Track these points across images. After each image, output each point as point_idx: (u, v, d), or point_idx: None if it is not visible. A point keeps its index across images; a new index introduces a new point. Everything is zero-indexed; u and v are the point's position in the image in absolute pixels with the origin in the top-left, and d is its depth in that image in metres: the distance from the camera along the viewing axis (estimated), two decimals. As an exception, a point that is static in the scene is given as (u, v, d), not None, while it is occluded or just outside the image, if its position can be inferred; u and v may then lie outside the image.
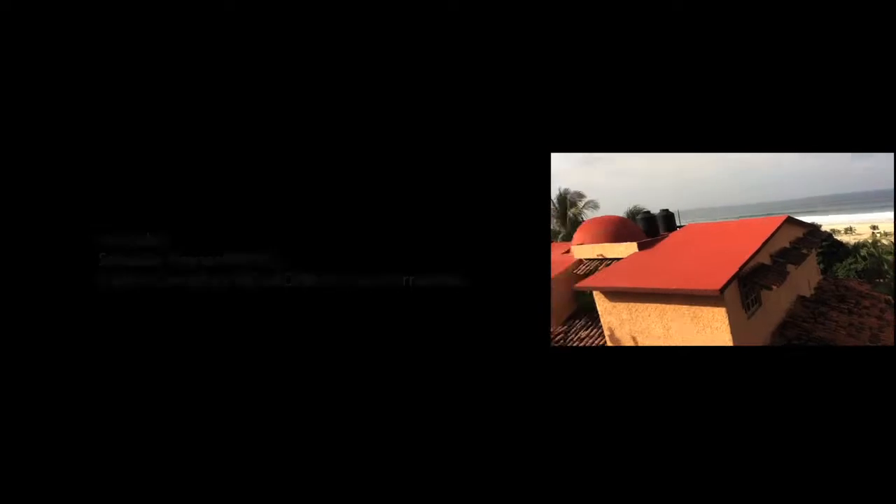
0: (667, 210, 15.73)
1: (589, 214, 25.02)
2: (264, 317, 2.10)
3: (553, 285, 13.95)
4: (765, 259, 10.30)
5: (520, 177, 2.18)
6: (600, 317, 11.44)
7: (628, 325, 10.79)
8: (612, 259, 13.09)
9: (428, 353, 2.11)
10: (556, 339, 13.25)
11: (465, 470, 2.12)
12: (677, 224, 15.79)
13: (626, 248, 12.89)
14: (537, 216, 2.19)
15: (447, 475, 2.11)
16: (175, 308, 2.06)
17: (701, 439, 2.06)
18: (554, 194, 26.16)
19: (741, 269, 9.11)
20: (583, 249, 14.39)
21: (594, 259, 13.86)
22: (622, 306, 10.90)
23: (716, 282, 8.70)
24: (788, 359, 2.17)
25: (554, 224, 26.16)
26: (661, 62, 2.19)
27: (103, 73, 2.07)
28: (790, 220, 12.29)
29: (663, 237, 13.60)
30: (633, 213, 22.22)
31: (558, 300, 13.70)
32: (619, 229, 14.11)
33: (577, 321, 13.32)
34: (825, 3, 2.17)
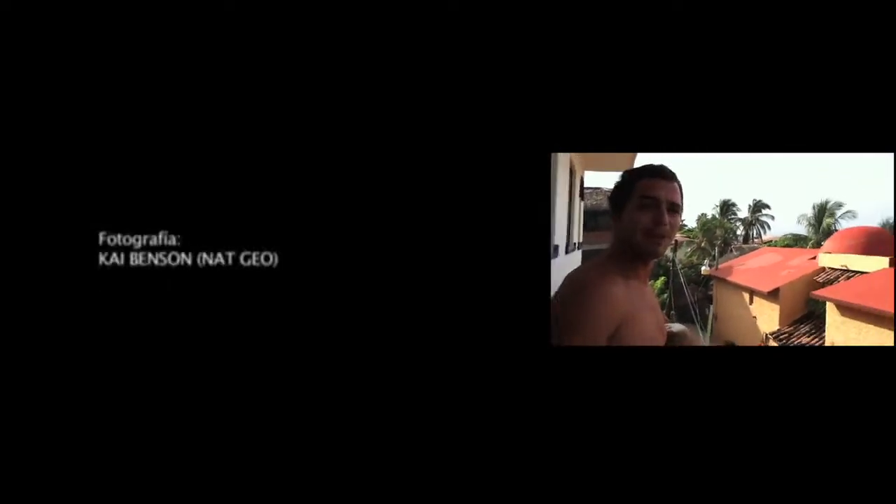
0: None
1: (845, 224, 24.58)
2: (261, 316, 2.14)
3: (790, 287, 14.25)
4: None
5: (520, 177, 2.07)
6: (826, 329, 10.42)
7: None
8: (857, 272, 11.80)
9: (426, 353, 2.08)
10: (780, 337, 13.56)
11: (465, 469, 2.10)
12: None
13: (875, 263, 11.83)
14: (537, 216, 2.10)
15: (446, 475, 2.10)
16: (175, 308, 2.14)
17: (701, 439, 1.94)
18: (816, 203, 26.95)
19: None
20: (828, 258, 13.76)
21: (837, 269, 12.74)
22: (852, 324, 9.98)
23: None
24: (788, 359, 1.96)
25: (809, 231, 26.55)
26: (661, 62, 1.99)
27: (103, 73, 2.15)
28: None
29: (923, 255, 11.78)
30: (892, 226, 20.01)
31: (793, 301, 13.95)
32: (871, 242, 12.92)
33: (802, 326, 12.60)
34: (825, 3, 1.86)
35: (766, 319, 14.85)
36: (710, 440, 2.13)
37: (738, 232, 34.25)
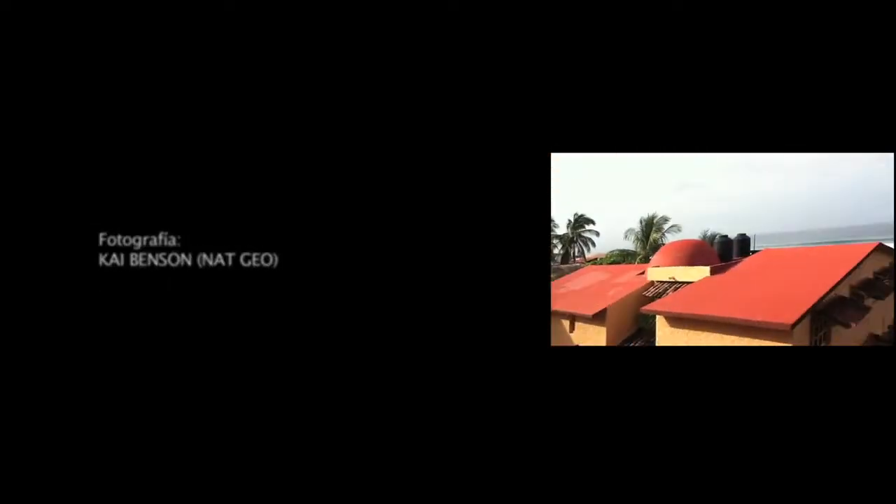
0: (743, 234, 15.50)
1: (670, 238, 25.52)
2: (261, 316, 2.12)
3: (618, 306, 14.13)
4: (844, 291, 9.50)
5: (520, 177, 2.17)
6: (657, 342, 11.15)
7: (685, 354, 10.36)
8: (684, 283, 12.92)
9: (427, 353, 2.13)
10: (611, 359, 13.39)
11: (465, 469, 2.14)
12: (752, 249, 15.34)
13: (698, 273, 12.82)
14: (537, 217, 2.19)
15: (446, 475, 2.14)
16: (175, 308, 2.09)
17: (701, 439, 2.05)
18: (643, 217, 27.28)
19: (818, 302, 8.45)
20: (657, 272, 14.75)
21: (665, 282, 13.66)
22: (681, 333, 10.81)
23: (787, 315, 8.11)
24: (788, 359, 2.12)
25: (637, 247, 26.75)
26: (661, 62, 2.15)
27: (103, 74, 2.09)
28: (881, 248, 11.41)
29: (736, 262, 13.16)
30: (711, 238, 21.71)
31: (621, 321, 13.78)
32: (694, 253, 13.97)
33: (633, 343, 13.56)
34: (825, 3, 2.09)
35: (591, 345, 14.12)
36: (710, 440, 2.29)
37: (556, 251, 32.43)
